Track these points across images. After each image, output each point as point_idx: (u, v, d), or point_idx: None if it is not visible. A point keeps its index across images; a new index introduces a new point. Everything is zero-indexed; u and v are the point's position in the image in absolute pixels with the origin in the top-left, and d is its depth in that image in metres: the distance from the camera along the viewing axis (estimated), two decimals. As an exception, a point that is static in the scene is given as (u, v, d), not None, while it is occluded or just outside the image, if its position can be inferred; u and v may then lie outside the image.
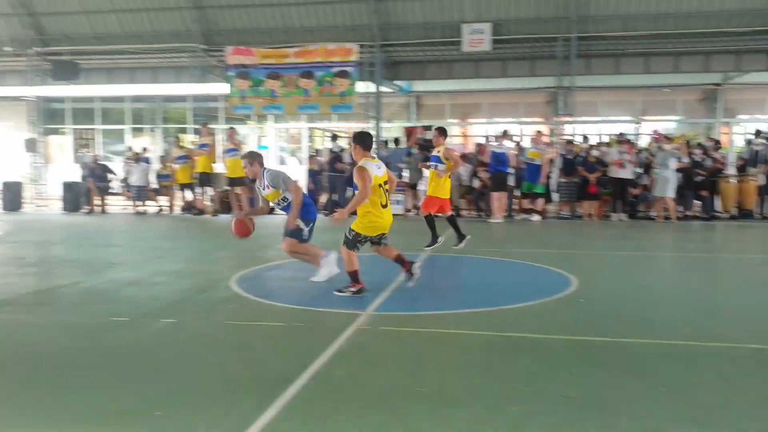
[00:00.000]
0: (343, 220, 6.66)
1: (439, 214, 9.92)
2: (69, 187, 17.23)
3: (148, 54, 17.90)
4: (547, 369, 4.60)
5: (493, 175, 14.59)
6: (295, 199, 7.28)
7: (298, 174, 16.77)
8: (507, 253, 9.96)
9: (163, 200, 16.92)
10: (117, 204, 18.08)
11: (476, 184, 15.37)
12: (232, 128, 16.03)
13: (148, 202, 16.80)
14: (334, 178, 15.56)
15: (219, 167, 16.08)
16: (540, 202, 15.06)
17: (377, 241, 6.90)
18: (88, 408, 3.91)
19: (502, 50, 17.33)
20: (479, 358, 4.85)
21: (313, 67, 16.27)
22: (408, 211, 15.75)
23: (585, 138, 16.28)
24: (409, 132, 17.48)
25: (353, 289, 6.74)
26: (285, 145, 26.01)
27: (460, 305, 6.58)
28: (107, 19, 17.52)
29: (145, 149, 18.15)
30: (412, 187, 15.87)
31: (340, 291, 6.80)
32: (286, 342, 5.40)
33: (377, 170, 6.62)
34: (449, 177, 9.86)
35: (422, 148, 16.31)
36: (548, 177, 15.07)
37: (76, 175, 18.35)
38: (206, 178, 15.81)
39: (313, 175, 16.32)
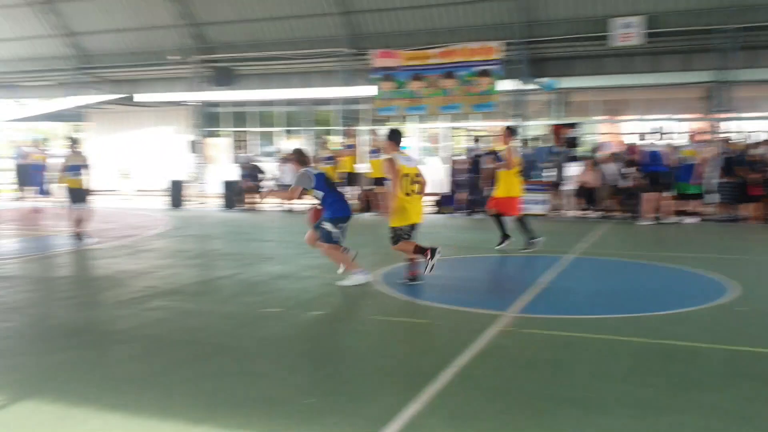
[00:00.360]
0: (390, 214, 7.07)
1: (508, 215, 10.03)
2: (226, 185, 18.44)
3: (299, 59, 18.76)
4: (700, 379, 4.37)
5: (648, 174, 13.90)
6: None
7: (439, 173, 16.92)
8: (657, 257, 9.47)
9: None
10: (269, 202, 19.10)
11: (625, 183, 14.72)
12: (372, 131, 16.44)
13: (296, 201, 17.57)
14: (474, 179, 15.51)
15: (362, 167, 16.52)
16: (695, 204, 14.15)
17: (409, 233, 7.23)
18: (242, 392, 4.20)
19: (654, 44, 16.47)
20: (628, 365, 4.69)
21: (455, 67, 16.32)
22: (555, 210, 15.38)
23: (746, 135, 15.11)
24: (555, 130, 17.05)
25: (426, 266, 7.10)
26: (426, 145, 26.27)
27: (608, 310, 6.37)
28: (262, 27, 18.55)
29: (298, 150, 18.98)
30: (556, 186, 15.49)
31: (412, 279, 7.29)
32: (428, 339, 5.50)
33: (405, 162, 7.25)
34: (515, 176, 9.95)
35: (569, 146, 15.87)
36: (704, 177, 14.13)
37: (232, 174, 19.62)
38: (351, 178, 16.33)
39: (454, 174, 16.39)
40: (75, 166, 11.36)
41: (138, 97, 24.42)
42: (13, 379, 4.55)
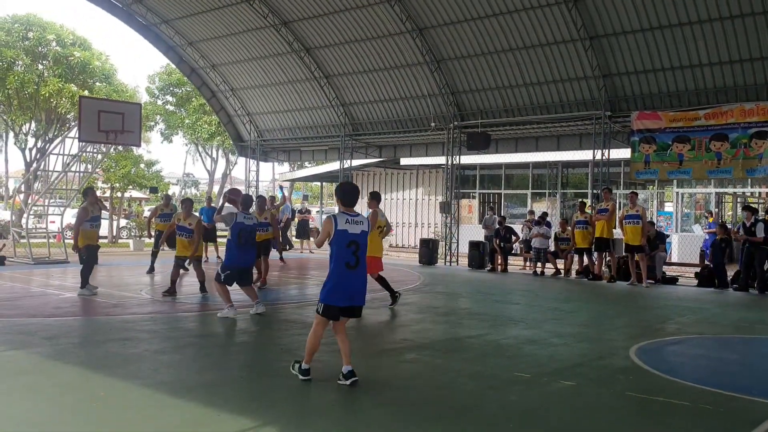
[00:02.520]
0: None
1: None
2: (475, 246, 18.83)
3: (553, 123, 18.77)
4: None
5: None
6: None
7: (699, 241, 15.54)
8: None
9: (560, 263, 17.30)
10: (517, 264, 19.11)
11: None
12: (634, 192, 15.67)
13: (546, 264, 17.36)
14: (750, 250, 13.84)
15: (618, 233, 15.83)
16: None
17: None
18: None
19: None
20: None
21: (726, 129, 15.10)
22: None
23: None
24: None
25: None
26: (688, 211, 24.43)
27: None
28: (516, 92, 18.93)
29: (545, 213, 18.90)
30: None
31: None
32: (690, 424, 5.04)
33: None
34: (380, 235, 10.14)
35: None
36: None
37: (481, 235, 20.01)
38: (604, 243, 15.71)
39: (715, 244, 14.84)
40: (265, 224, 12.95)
41: (402, 161, 26.22)
42: (273, 414, 5.06)
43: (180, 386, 5.70)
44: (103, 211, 12.44)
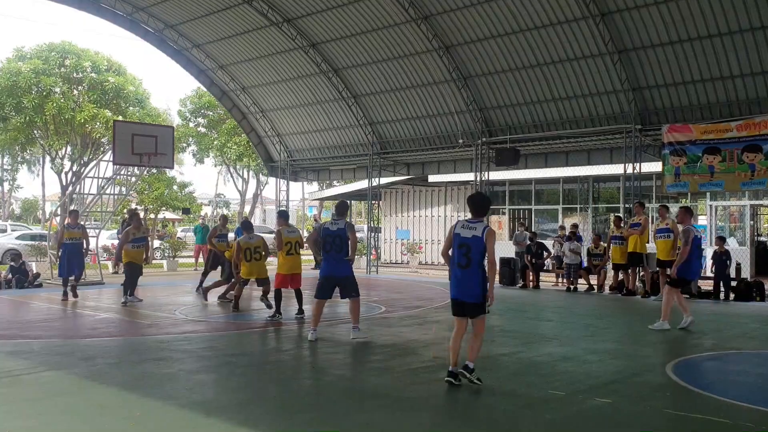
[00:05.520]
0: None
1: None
2: (506, 262, 18.68)
3: (582, 137, 18.65)
4: None
5: None
6: None
7: (744, 256, 15.29)
8: None
9: (593, 279, 17.09)
10: (549, 280, 18.91)
11: None
12: (663, 206, 15.44)
13: (579, 281, 17.16)
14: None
15: (652, 247, 15.60)
16: None
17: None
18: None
19: None
20: None
21: (759, 140, 14.84)
22: None
23: None
24: None
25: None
26: (722, 224, 23.98)
27: None
28: (545, 107, 18.85)
29: (575, 226, 18.71)
30: None
31: None
32: (732, 442, 4.94)
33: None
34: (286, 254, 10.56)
35: None
36: None
37: (512, 251, 19.86)
38: (637, 258, 15.48)
39: (716, 257, 14.78)
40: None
41: (431, 178, 26.22)
42: (298, 428, 5.07)
43: (214, 406, 5.75)
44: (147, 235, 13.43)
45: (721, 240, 15.94)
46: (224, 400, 6.01)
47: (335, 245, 8.86)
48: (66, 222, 14.45)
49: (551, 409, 5.76)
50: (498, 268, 18.18)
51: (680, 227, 10.66)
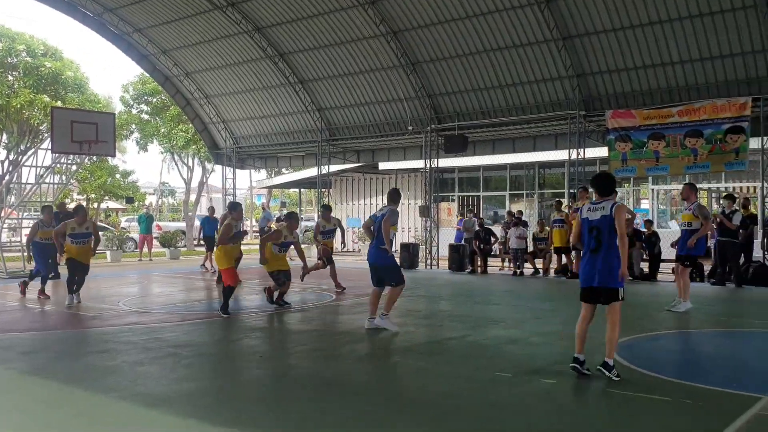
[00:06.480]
0: None
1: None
2: (455, 248, 18.85)
3: (529, 124, 18.87)
4: None
5: None
6: None
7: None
8: None
9: (538, 263, 17.37)
10: (496, 265, 19.16)
11: None
12: (584, 187, 15.68)
13: (525, 265, 17.42)
14: (722, 243, 14.01)
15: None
16: None
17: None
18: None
19: None
20: None
21: (700, 125, 15.28)
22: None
23: None
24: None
25: None
26: (664, 208, 24.70)
27: None
28: (492, 94, 19.00)
29: (520, 212, 18.96)
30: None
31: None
32: (671, 419, 5.08)
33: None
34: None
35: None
36: None
37: (461, 237, 20.03)
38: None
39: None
40: (330, 230, 13.46)
41: (381, 166, 26.19)
42: (255, 425, 5.01)
43: (159, 398, 5.62)
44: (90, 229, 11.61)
45: (649, 223, 16.64)
46: (169, 391, 5.88)
47: (373, 233, 8.78)
48: (42, 219, 13.20)
49: (497, 390, 5.82)
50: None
51: (687, 203, 10.48)
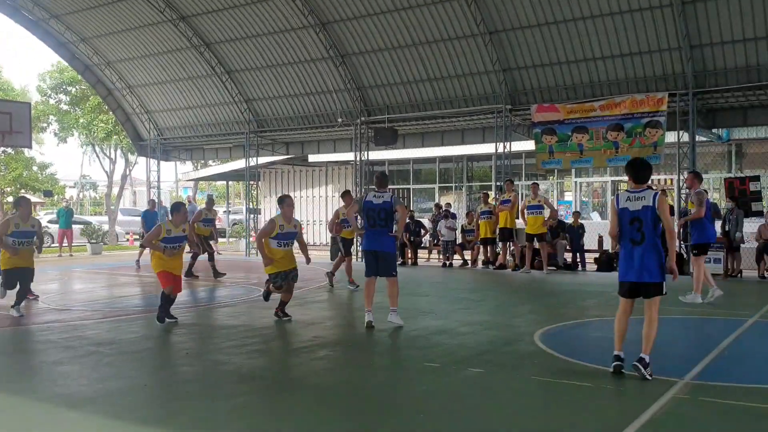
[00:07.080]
0: None
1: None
2: (385, 240, 18.95)
3: (457, 117, 19.12)
4: None
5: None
6: None
7: (606, 229, 16.30)
8: None
9: (467, 254, 17.67)
10: (426, 256, 19.38)
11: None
12: (535, 183, 16.23)
13: (454, 256, 17.68)
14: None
15: (520, 223, 16.34)
16: None
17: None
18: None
19: None
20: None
21: (621, 119, 15.83)
22: (728, 272, 14.32)
23: None
24: (728, 183, 15.89)
25: None
26: (586, 200, 25.52)
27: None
28: (421, 87, 19.14)
29: (449, 204, 19.24)
30: (731, 243, 14.36)
31: None
32: (594, 404, 5.26)
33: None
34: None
35: (742, 203, 14.74)
36: None
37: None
38: (508, 233, 16.16)
39: (572, 231, 16.07)
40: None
41: (311, 158, 25.98)
42: (182, 421, 4.91)
43: (80, 398, 5.42)
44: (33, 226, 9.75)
45: (576, 214, 17.37)
46: (91, 391, 5.67)
47: (379, 219, 8.46)
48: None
49: (426, 380, 5.89)
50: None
51: (690, 191, 10.88)
